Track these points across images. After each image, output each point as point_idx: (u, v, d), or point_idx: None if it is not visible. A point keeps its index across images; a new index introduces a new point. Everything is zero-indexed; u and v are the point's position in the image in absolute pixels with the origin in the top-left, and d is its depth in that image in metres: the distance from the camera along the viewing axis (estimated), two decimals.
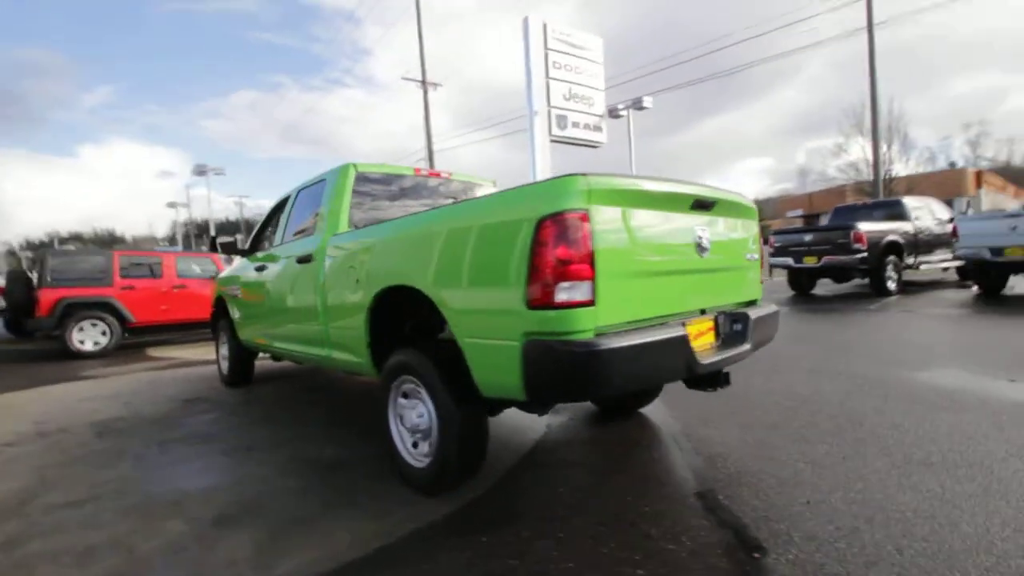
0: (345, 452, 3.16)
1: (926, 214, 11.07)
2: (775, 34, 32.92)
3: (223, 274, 5.37)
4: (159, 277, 8.32)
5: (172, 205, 50.31)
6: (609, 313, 1.93)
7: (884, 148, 25.86)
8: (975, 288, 9.90)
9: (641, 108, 17.63)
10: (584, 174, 1.90)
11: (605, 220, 1.95)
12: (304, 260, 3.45)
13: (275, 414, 4.07)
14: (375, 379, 3.03)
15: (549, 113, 16.21)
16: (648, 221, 2.16)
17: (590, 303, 1.86)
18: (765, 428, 3.15)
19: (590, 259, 1.85)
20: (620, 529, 2.10)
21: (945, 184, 28.33)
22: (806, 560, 1.81)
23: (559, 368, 1.84)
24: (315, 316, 3.33)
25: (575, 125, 16.73)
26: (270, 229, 4.73)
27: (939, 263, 11.02)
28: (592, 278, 1.86)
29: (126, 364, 7.03)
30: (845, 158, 30.17)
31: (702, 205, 2.41)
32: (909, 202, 10.97)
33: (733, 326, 2.52)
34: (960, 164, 35.56)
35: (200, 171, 38.73)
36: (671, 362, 2.08)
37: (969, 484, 2.31)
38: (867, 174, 24.94)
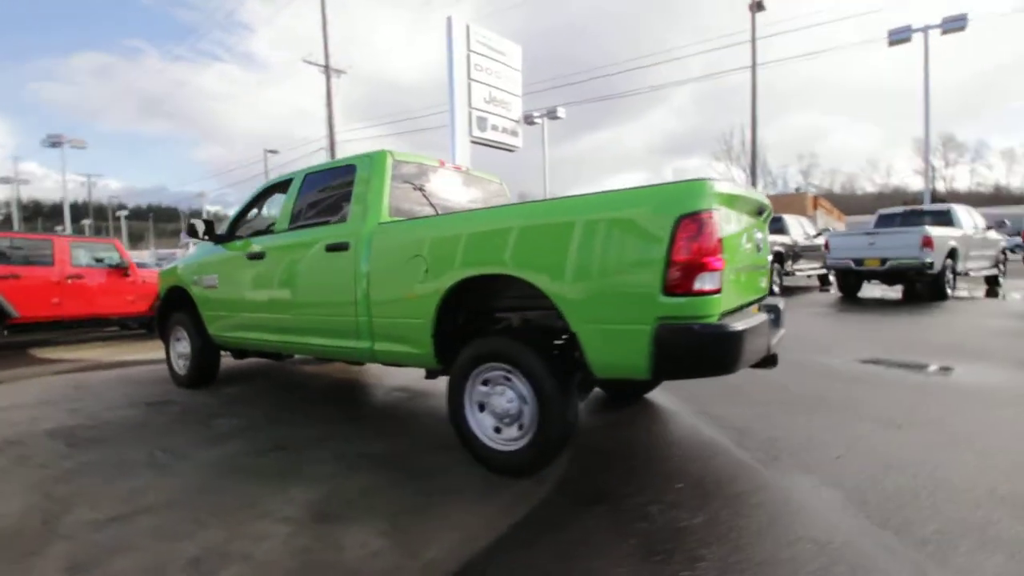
0: (395, 445, 3.11)
1: (798, 229, 13.06)
2: (652, 66, 36.22)
3: (181, 263, 4.83)
4: (50, 265, 7.09)
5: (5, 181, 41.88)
6: (725, 301, 2.22)
7: (745, 172, 29.75)
8: (835, 291, 11.92)
9: (555, 117, 18.47)
10: (709, 179, 2.17)
11: (721, 219, 2.24)
12: (334, 248, 3.31)
13: (280, 414, 3.80)
14: (432, 368, 3.06)
15: (470, 114, 16.35)
16: (736, 222, 2.49)
17: (718, 291, 2.13)
18: (761, 405, 3.67)
19: (720, 252, 2.13)
20: (706, 489, 2.40)
21: (791, 205, 33.16)
22: (868, 490, 2.25)
23: (695, 348, 2.09)
24: (349, 306, 3.23)
25: (494, 128, 17.05)
26: (254, 213, 4.40)
27: (809, 270, 13.06)
28: (722, 269, 2.14)
29: (14, 368, 5.93)
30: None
31: (759, 211, 2.81)
32: (788, 219, 12.85)
33: (771, 314, 2.96)
34: (794, 189, 41.92)
35: (54, 142, 32.55)
36: (763, 343, 2.43)
37: (938, 437, 2.97)
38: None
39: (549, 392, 2.43)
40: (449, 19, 16.00)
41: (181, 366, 4.76)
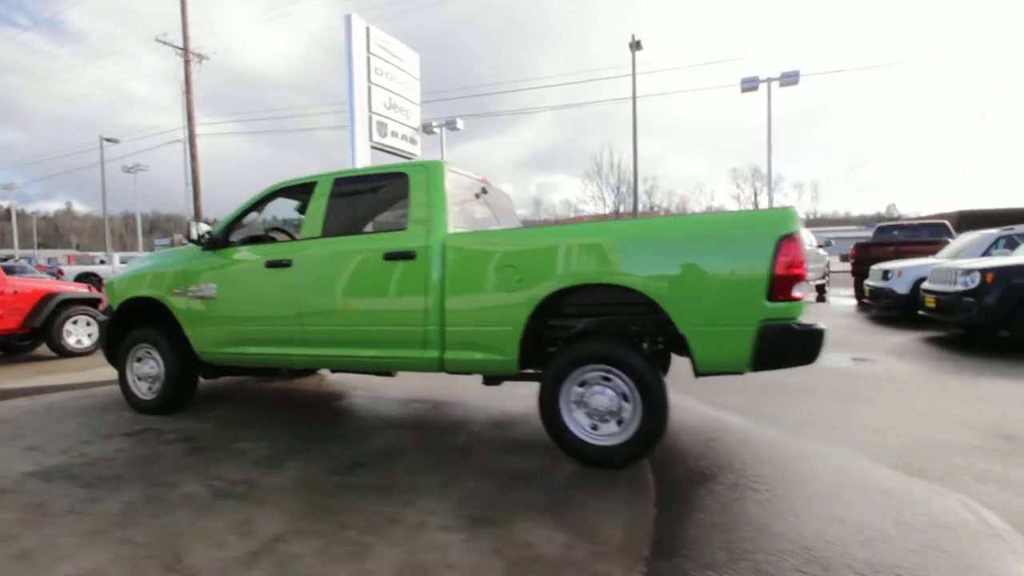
0: (470, 453, 3.18)
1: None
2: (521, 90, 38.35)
3: (146, 271, 4.18)
4: None
5: None
6: None
7: (614, 192, 32.99)
8: None
9: (454, 128, 18.68)
10: (793, 207, 2.69)
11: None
12: (396, 256, 3.27)
13: (306, 432, 3.55)
14: (505, 374, 3.19)
15: (370, 118, 15.89)
16: None
17: (803, 298, 2.65)
18: (751, 393, 4.36)
19: (805, 267, 2.65)
20: (773, 457, 2.93)
21: None
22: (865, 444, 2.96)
23: (794, 343, 2.58)
24: (417, 316, 3.21)
25: (394, 134, 16.76)
26: (253, 217, 4.04)
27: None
28: (806, 280, 2.66)
29: None
30: (563, 193, 37.49)
31: None
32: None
33: None
34: (650, 207, 47.29)
35: None
36: None
37: (902, 409, 3.88)
38: (592, 208, 31.80)
39: (653, 388, 2.76)
40: (348, 18, 15.44)
41: (145, 390, 4.13)
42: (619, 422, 2.87)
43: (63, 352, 6.88)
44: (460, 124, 18.57)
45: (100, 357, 6.82)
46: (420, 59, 17.75)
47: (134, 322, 4.25)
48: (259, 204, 4.00)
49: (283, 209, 4.50)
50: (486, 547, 2.10)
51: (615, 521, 2.30)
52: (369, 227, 3.80)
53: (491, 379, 3.43)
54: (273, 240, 4.20)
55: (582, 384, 2.93)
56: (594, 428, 2.92)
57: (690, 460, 3.02)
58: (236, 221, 3.95)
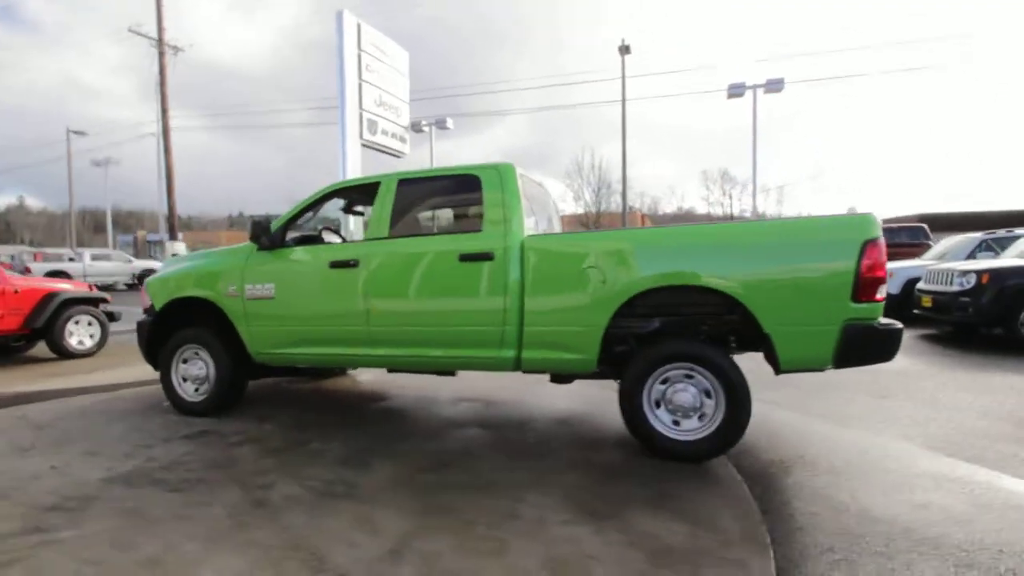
0: (544, 448, 3.23)
1: None
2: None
3: (190, 270, 4.07)
4: None
5: None
6: None
7: (594, 192, 33.52)
8: None
9: (444, 127, 18.61)
10: (871, 213, 2.85)
11: None
12: (473, 257, 3.30)
13: (366, 427, 3.55)
14: (581, 373, 3.27)
15: (361, 116, 15.63)
16: None
17: (883, 299, 2.82)
18: (787, 389, 4.55)
19: (886, 269, 2.82)
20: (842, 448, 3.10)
21: (629, 221, 37.95)
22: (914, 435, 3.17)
23: (876, 342, 2.75)
24: (495, 315, 3.26)
25: (384, 133, 16.55)
26: (308, 216, 4.00)
27: None
28: (886, 282, 2.83)
29: None
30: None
31: None
32: None
33: None
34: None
35: None
36: None
37: (929, 401, 4.13)
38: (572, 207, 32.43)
39: (738, 385, 2.88)
40: (340, 14, 15.12)
41: (192, 391, 4.03)
42: (700, 417, 2.98)
43: (64, 353, 6.59)
44: (450, 123, 18.52)
45: (102, 358, 6.60)
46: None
47: (171, 323, 4.13)
48: (315, 204, 3.95)
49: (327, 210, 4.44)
50: (616, 539, 2.17)
51: (725, 512, 2.41)
52: (434, 228, 3.81)
53: (561, 378, 3.49)
54: (321, 240, 4.16)
55: (664, 381, 3.04)
56: (675, 424, 3.03)
57: (761, 453, 3.16)
58: (291, 221, 3.90)
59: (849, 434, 3.48)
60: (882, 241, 2.78)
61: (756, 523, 2.32)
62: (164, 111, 21.10)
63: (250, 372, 4.07)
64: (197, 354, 4.01)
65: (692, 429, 2.99)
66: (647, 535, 2.20)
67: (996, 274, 6.22)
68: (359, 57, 16.32)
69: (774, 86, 16.50)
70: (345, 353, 3.67)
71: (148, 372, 5.58)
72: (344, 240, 4.36)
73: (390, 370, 3.91)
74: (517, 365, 3.33)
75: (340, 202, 4.58)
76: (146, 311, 4.24)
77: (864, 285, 2.73)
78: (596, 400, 4.26)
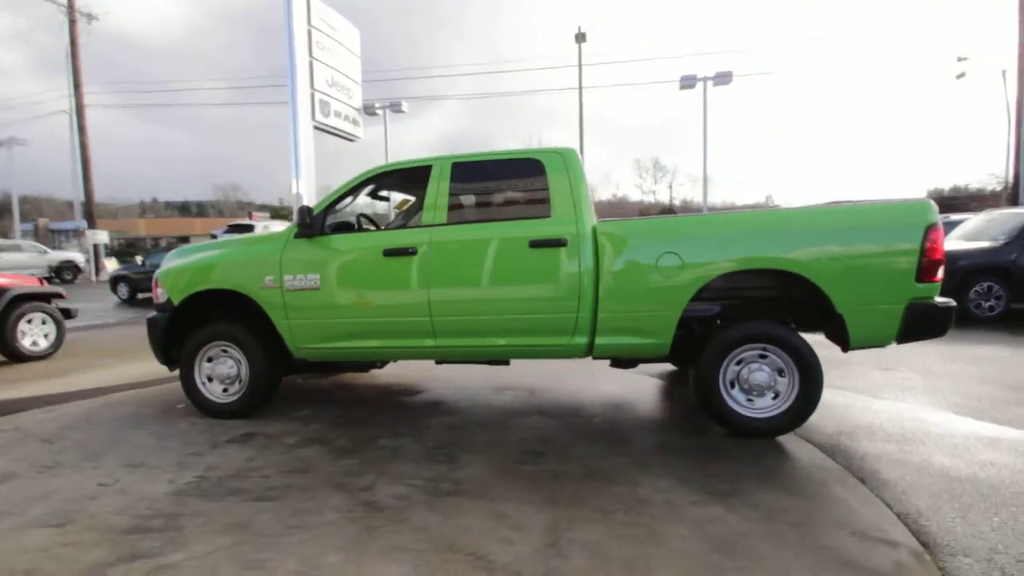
0: (622, 434, 3.27)
1: None
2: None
3: (214, 260, 3.71)
4: None
5: None
6: None
7: None
8: None
9: (399, 111, 17.97)
10: (928, 199, 3.07)
11: None
12: (545, 244, 3.24)
13: (438, 425, 3.43)
14: (650, 358, 3.33)
15: (313, 96, 14.74)
16: None
17: (941, 280, 3.05)
18: None
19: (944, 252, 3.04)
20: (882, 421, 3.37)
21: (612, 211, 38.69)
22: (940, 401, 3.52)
23: (936, 319, 2.98)
24: (569, 302, 3.23)
25: (337, 114, 15.74)
26: (349, 201, 3.76)
27: None
28: (944, 264, 3.06)
29: None
30: None
31: None
32: None
33: None
34: None
35: None
36: None
37: (937, 372, 4.54)
38: None
39: (813, 364, 3.04)
40: None
41: (219, 392, 3.70)
42: (775, 396, 3.12)
43: (17, 356, 5.83)
44: (405, 107, 17.91)
45: (63, 360, 5.91)
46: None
47: (185, 317, 3.77)
48: (357, 189, 3.72)
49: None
50: (752, 515, 2.24)
51: (830, 482, 2.55)
52: (492, 213, 3.68)
53: (623, 363, 3.53)
54: (359, 227, 3.93)
55: (738, 362, 3.15)
56: (749, 402, 3.15)
57: (819, 426, 3.35)
58: (330, 207, 3.64)
59: (883, 405, 3.77)
60: (941, 225, 3.01)
61: (865, 492, 2.47)
62: (77, 86, 19.02)
63: (284, 369, 3.80)
64: (225, 351, 3.68)
65: (766, 407, 3.13)
66: (777, 509, 2.29)
67: (949, 257, 6.90)
68: (309, 33, 15.37)
69: (722, 79, 17.28)
70: (401, 345, 3.50)
71: (129, 374, 5.14)
72: (378, 227, 4.13)
73: (439, 361, 3.78)
74: (588, 351, 3.33)
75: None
76: (159, 306, 3.83)
77: (927, 267, 2.95)
78: (631, 383, 4.35)
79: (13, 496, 2.53)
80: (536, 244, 3.27)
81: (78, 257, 19.21)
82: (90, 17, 19.41)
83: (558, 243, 3.24)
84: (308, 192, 11.42)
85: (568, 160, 3.40)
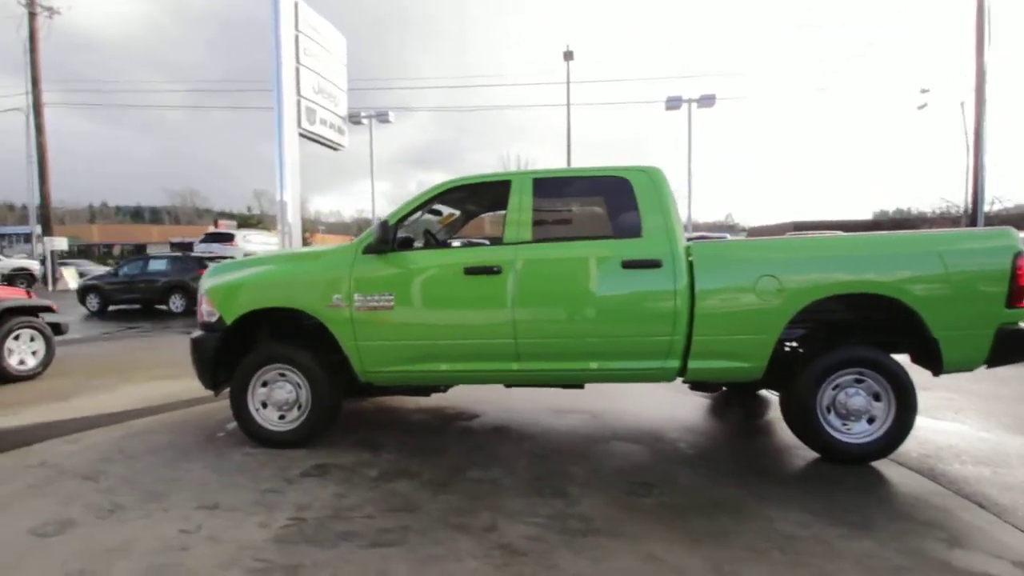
0: (719, 461, 3.19)
1: None
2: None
3: (271, 274, 3.43)
4: None
5: None
6: None
7: None
8: None
9: (385, 120, 17.65)
10: (1010, 228, 3.15)
11: None
12: (639, 264, 3.15)
13: (515, 454, 3.25)
14: (745, 381, 3.28)
15: (299, 103, 14.31)
16: None
17: None
18: None
19: None
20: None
21: None
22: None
23: (1022, 344, 3.04)
24: (663, 325, 3.14)
25: (323, 122, 15.34)
26: (418, 215, 3.58)
27: None
28: None
29: None
30: None
31: None
32: None
33: None
34: None
35: None
36: None
37: (954, 388, 4.66)
38: None
39: (909, 387, 3.05)
40: None
41: (275, 419, 3.41)
42: (870, 421, 3.11)
43: (4, 376, 5.28)
44: (392, 117, 17.63)
45: (57, 379, 5.40)
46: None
47: (233, 337, 3.47)
48: (428, 203, 3.54)
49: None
50: (909, 548, 2.18)
51: (955, 509, 2.53)
52: (575, 232, 3.56)
53: (703, 386, 3.46)
54: (436, 243, 3.74)
55: (835, 387, 3.12)
56: (845, 427, 3.13)
57: (908, 451, 3.35)
58: (401, 222, 3.44)
59: (949, 427, 3.82)
60: None
61: (990, 517, 2.46)
62: (36, 83, 17.84)
63: (346, 392, 3.55)
64: (283, 375, 3.40)
65: (862, 431, 3.11)
66: (920, 539, 2.24)
67: None
68: (296, 39, 14.99)
69: (707, 102, 17.84)
70: (481, 369, 3.32)
71: (138, 396, 4.75)
72: (440, 243, 3.94)
73: (507, 385, 3.62)
74: (680, 375, 3.24)
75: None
76: (207, 325, 3.51)
77: (1016, 292, 3.01)
78: (677, 401, 4.31)
79: (86, 549, 2.21)
80: (629, 265, 3.17)
81: (32, 265, 17.85)
82: (51, 11, 18.33)
83: (653, 264, 3.15)
84: (293, 201, 11.02)
85: (655, 179, 3.34)
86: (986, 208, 17.05)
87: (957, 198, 24.49)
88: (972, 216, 17.45)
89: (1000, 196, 23.41)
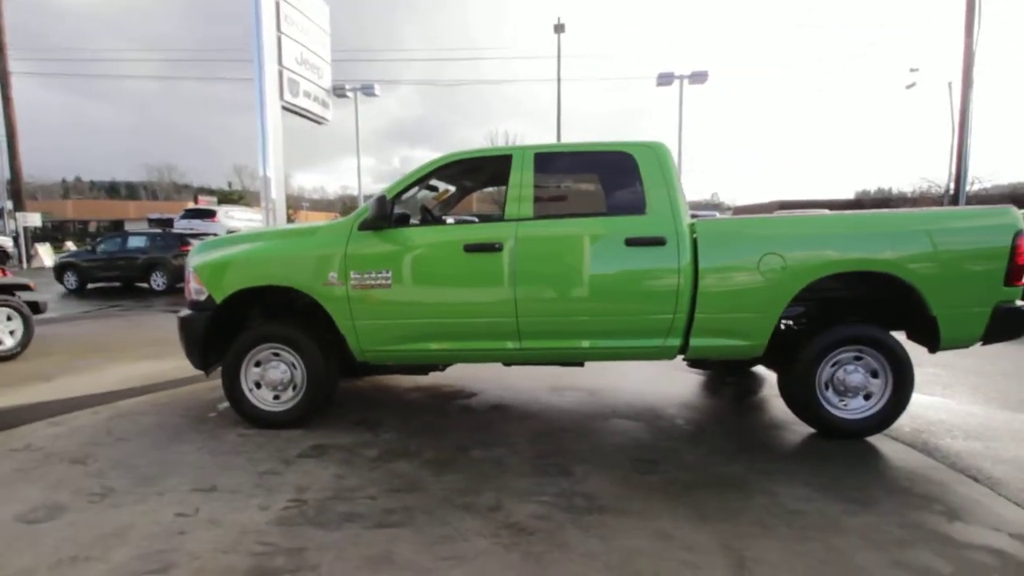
0: (730, 442, 3.21)
1: None
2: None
3: (263, 251, 3.32)
4: None
5: None
6: None
7: None
8: None
9: (371, 94, 17.18)
10: (1011, 206, 3.15)
11: None
12: (642, 242, 3.10)
13: (517, 433, 3.23)
14: (747, 360, 3.28)
15: (281, 74, 13.74)
16: None
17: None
18: None
19: None
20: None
21: None
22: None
23: (1018, 321, 3.07)
24: (666, 303, 3.11)
25: (306, 95, 14.82)
26: (416, 191, 3.48)
27: None
28: None
29: None
30: None
31: None
32: None
33: None
34: None
35: None
36: None
37: (943, 364, 4.75)
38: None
39: (907, 365, 3.07)
40: None
41: (270, 399, 3.33)
42: (866, 397, 3.14)
43: None
44: (377, 90, 17.15)
45: (36, 360, 5.24)
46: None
47: (223, 316, 3.37)
48: (425, 178, 3.43)
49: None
50: (912, 522, 2.21)
51: (953, 483, 2.57)
52: (576, 208, 3.49)
53: (700, 364, 3.46)
54: (434, 219, 3.64)
55: (834, 364, 3.14)
56: (843, 403, 3.15)
57: (901, 426, 3.40)
58: (398, 197, 3.34)
59: (941, 402, 3.88)
60: None
61: (985, 490, 2.51)
62: (1, 49, 16.96)
63: (342, 372, 3.48)
64: (277, 355, 3.32)
65: (859, 407, 3.14)
66: (921, 513, 2.28)
67: None
68: (277, 5, 14.42)
69: (699, 78, 17.67)
70: (480, 347, 3.27)
71: (125, 376, 4.62)
72: (437, 219, 3.84)
73: (506, 364, 3.58)
74: (680, 353, 3.23)
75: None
76: (195, 303, 3.39)
77: (1015, 271, 3.03)
78: (673, 377, 4.33)
79: (80, 535, 2.14)
80: (632, 242, 3.12)
81: (6, 242, 17.24)
82: None
83: (657, 242, 3.10)
84: (277, 177, 10.74)
85: (661, 155, 3.27)
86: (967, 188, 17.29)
87: (937, 177, 24.82)
88: (955, 195, 17.70)
89: (980, 176, 23.74)
